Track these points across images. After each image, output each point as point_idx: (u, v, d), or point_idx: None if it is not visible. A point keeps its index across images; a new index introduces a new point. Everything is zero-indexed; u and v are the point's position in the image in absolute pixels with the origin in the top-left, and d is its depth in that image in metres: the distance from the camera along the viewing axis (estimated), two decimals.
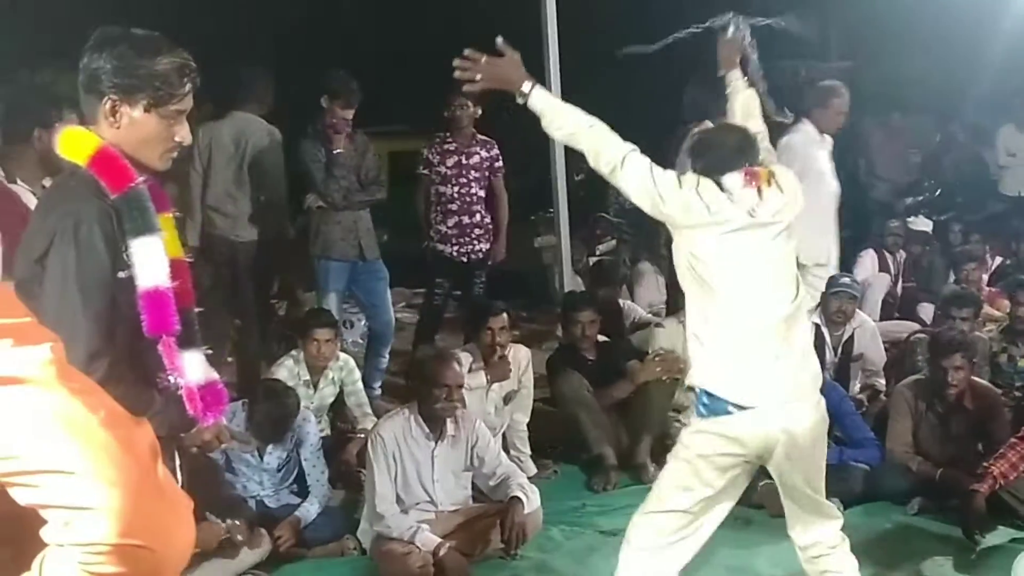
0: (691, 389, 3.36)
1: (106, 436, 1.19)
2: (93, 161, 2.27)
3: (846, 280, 6.24)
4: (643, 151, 3.21)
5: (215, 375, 2.41)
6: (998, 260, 8.09)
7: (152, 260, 2.24)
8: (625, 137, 3.21)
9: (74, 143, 2.30)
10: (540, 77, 6.16)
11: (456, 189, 6.42)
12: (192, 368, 2.33)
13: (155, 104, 2.31)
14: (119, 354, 2.25)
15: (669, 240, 3.39)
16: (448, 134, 6.47)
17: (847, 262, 7.89)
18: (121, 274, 2.24)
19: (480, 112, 6.35)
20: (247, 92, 5.97)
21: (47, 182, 3.31)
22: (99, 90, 2.29)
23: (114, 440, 1.19)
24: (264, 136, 5.94)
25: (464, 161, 6.43)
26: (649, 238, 8.68)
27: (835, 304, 6.08)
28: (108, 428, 1.20)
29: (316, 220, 6.16)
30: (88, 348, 2.19)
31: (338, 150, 5.97)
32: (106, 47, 2.29)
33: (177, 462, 2.49)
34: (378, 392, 6.27)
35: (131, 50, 2.29)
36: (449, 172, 6.43)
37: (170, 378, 2.33)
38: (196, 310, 2.40)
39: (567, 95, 5.79)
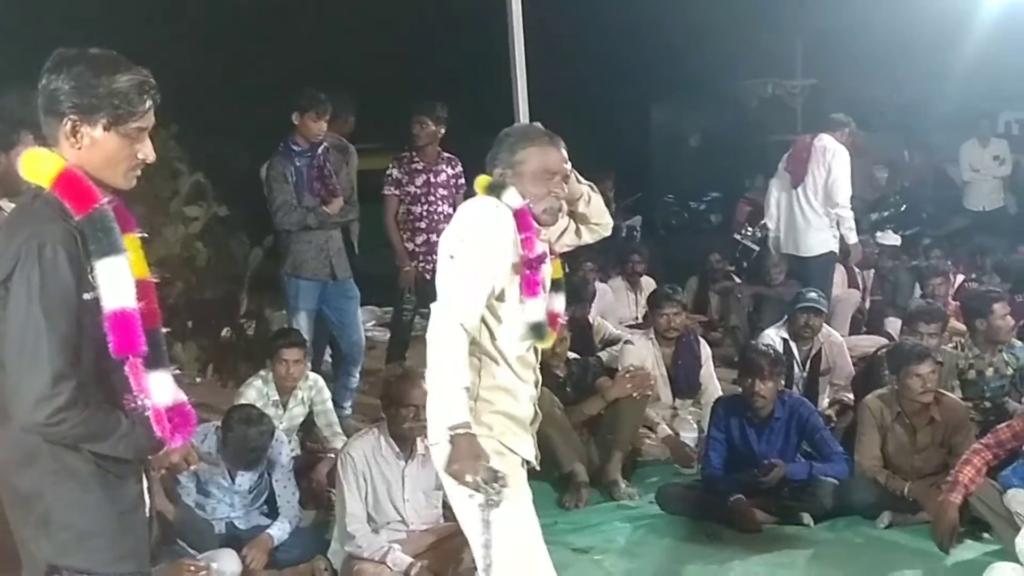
0: None
1: None
2: (56, 183, 2.25)
3: (813, 295, 6.29)
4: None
5: (183, 396, 2.39)
6: (960, 277, 8.18)
7: (117, 281, 2.22)
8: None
9: (37, 165, 2.28)
10: (507, 92, 6.18)
11: (424, 208, 6.41)
12: (159, 389, 2.30)
13: (115, 122, 2.29)
14: (85, 376, 2.23)
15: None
16: (414, 153, 6.47)
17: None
18: (86, 296, 2.22)
19: (443, 131, 6.35)
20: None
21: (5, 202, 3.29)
22: (58, 111, 2.28)
23: None
24: (341, 150, 6.45)
25: (432, 179, 6.43)
26: (620, 255, 8.73)
27: (802, 319, 6.15)
28: None
29: (287, 239, 6.13)
30: (53, 370, 2.17)
31: (324, 208, 6.00)
32: (64, 67, 2.27)
33: (145, 484, 2.47)
34: (348, 411, 6.24)
35: (89, 69, 2.27)
36: (418, 191, 6.42)
37: (137, 400, 2.31)
38: (163, 330, 2.38)
39: (533, 105, 5.81)
